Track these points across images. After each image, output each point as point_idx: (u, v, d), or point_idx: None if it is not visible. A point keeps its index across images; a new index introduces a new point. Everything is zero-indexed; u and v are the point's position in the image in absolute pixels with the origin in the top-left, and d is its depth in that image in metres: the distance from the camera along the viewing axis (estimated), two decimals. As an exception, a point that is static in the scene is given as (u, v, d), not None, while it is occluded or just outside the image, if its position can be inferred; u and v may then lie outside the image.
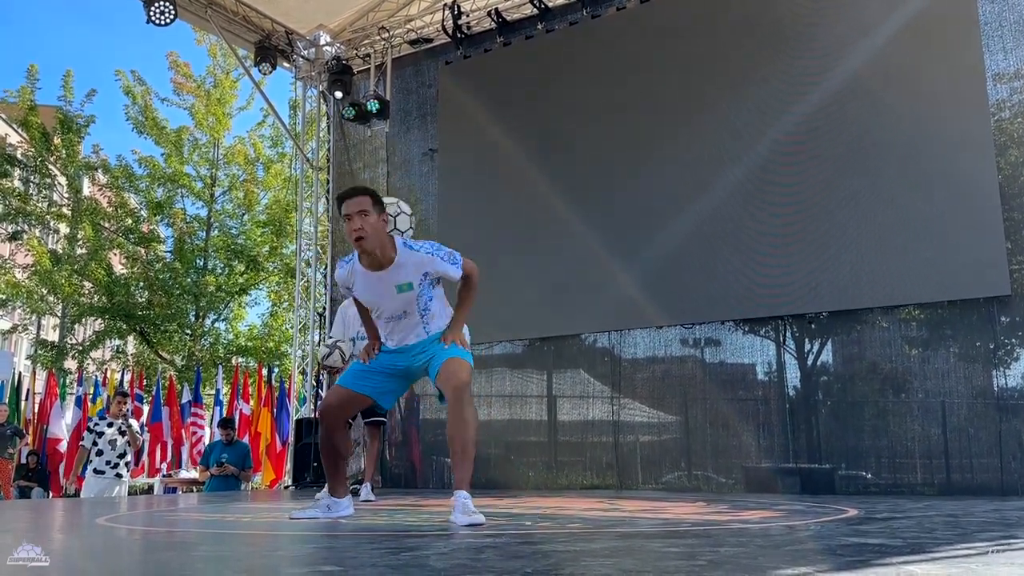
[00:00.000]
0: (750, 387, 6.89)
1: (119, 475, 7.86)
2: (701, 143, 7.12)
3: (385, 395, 3.56)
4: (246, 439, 10.57)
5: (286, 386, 11.44)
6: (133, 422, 8.27)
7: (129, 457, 8.09)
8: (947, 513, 3.73)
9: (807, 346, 6.75)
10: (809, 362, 6.72)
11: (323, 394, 8.89)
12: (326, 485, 3.76)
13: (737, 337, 6.95)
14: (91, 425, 8.11)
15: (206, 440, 11.64)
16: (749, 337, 6.91)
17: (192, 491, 10.18)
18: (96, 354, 17.89)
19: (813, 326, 6.68)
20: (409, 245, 3.38)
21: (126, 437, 7.93)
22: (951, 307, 6.11)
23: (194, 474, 10.59)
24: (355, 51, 9.25)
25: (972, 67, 6.11)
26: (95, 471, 7.79)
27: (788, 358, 6.74)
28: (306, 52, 9.44)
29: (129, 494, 8.68)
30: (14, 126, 18.41)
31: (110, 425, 7.93)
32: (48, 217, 17.23)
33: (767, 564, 1.94)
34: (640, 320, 7.24)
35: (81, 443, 8.19)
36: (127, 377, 14.71)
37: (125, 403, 8.23)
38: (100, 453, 7.80)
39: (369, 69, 9.04)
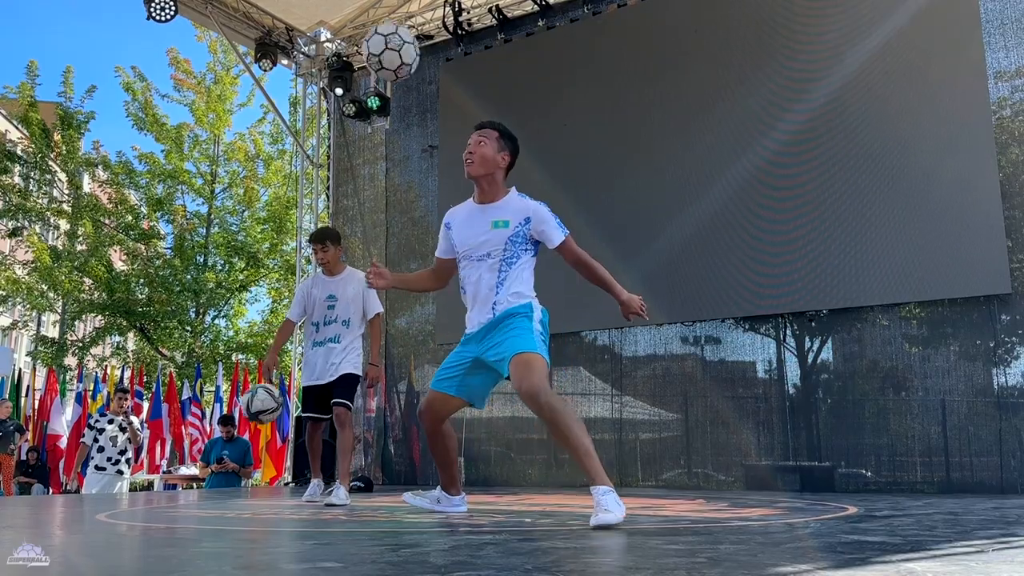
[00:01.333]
0: (750, 385, 6.89)
1: (120, 472, 7.88)
2: (701, 141, 7.11)
3: (474, 395, 3.41)
4: (246, 436, 10.59)
5: (286, 383, 11.45)
6: (134, 418, 8.29)
7: (130, 454, 8.11)
8: (947, 511, 3.74)
9: (807, 344, 6.75)
10: (809, 360, 6.72)
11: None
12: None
13: (737, 335, 6.95)
14: (92, 422, 8.12)
15: (203, 440, 11.66)
16: (749, 335, 6.91)
17: (192, 488, 10.18)
18: (96, 351, 17.94)
19: (813, 324, 6.68)
20: (523, 196, 3.41)
21: (127, 434, 7.94)
22: (951, 305, 6.11)
23: (194, 471, 10.60)
24: (355, 48, 9.24)
25: (973, 65, 6.10)
26: (96, 468, 7.81)
27: (788, 356, 6.74)
28: (306, 49, 9.43)
29: (130, 490, 8.69)
30: (14, 122, 18.43)
31: (111, 422, 7.94)
32: (48, 213, 17.25)
33: (767, 561, 1.94)
34: (640, 318, 7.23)
35: (82, 440, 8.20)
36: (127, 374, 14.74)
37: (126, 399, 8.24)
38: (101, 450, 7.82)
39: (369, 66, 9.02)
